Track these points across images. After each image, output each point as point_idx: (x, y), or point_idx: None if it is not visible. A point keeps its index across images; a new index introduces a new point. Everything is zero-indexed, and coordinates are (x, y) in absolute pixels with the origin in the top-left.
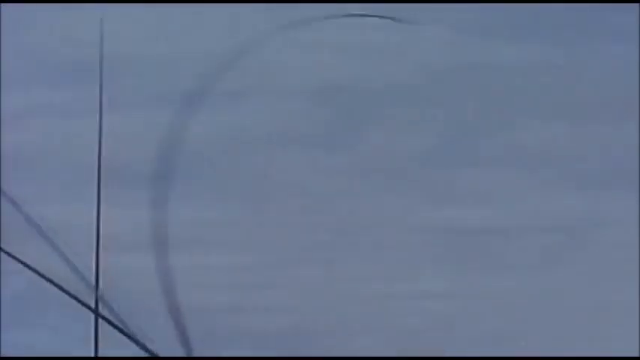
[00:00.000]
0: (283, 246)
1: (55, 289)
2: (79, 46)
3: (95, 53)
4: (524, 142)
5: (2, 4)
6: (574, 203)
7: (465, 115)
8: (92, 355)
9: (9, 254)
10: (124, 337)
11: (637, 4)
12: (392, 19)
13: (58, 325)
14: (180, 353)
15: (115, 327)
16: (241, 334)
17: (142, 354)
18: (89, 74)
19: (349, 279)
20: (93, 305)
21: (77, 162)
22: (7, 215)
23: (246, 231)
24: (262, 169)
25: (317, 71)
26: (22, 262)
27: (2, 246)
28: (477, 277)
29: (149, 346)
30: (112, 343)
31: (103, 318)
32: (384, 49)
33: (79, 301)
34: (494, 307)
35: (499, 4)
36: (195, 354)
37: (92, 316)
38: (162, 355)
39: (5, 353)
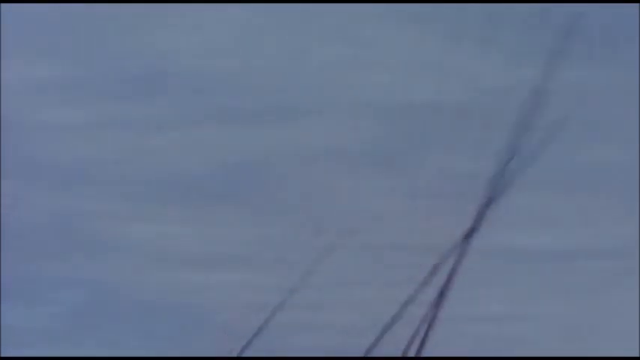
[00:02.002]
0: (337, 266)
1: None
2: (154, 58)
3: (167, 66)
4: (580, 165)
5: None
6: (629, 228)
7: (524, 137)
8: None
9: None
10: None
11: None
12: None
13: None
14: None
15: None
16: (295, 352)
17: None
18: (161, 88)
19: (403, 301)
20: None
21: (143, 177)
22: (69, 229)
23: (302, 250)
24: (320, 188)
25: (375, 90)
26: None
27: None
28: (535, 300)
29: None
30: None
31: None
32: (437, 67)
33: None
34: (548, 329)
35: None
36: None
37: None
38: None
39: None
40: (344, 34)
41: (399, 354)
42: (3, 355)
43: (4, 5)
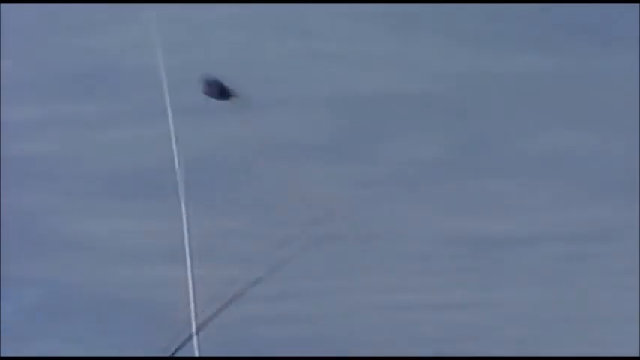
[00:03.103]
0: (301, 258)
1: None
2: (105, 55)
3: (114, 65)
4: (540, 151)
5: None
6: (590, 213)
7: (478, 124)
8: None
9: None
10: None
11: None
12: None
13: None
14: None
15: None
16: (259, 343)
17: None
18: (108, 86)
19: (368, 290)
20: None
21: (95, 173)
22: (24, 226)
23: (264, 242)
24: (278, 179)
25: (331, 82)
26: None
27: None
28: (495, 287)
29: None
30: None
31: None
32: (392, 58)
33: None
34: (512, 316)
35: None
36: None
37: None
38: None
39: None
40: (299, 27)
41: None
42: (3, 355)
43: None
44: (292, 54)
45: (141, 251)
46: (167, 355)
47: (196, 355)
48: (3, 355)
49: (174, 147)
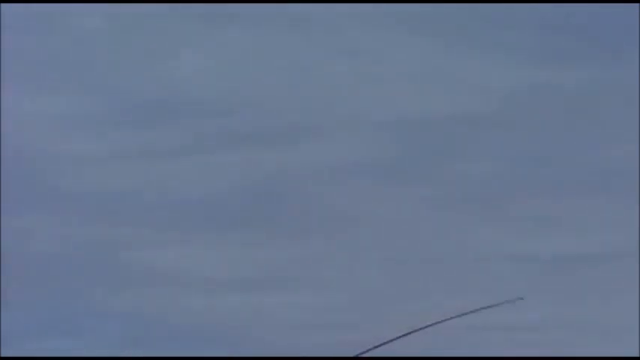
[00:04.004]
0: (370, 282)
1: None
2: (164, 86)
3: (178, 93)
4: (604, 166)
5: None
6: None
7: (541, 140)
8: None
9: None
10: None
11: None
12: None
13: None
14: None
15: None
16: None
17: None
18: (172, 114)
19: (441, 313)
20: None
21: (166, 203)
22: (104, 260)
23: (334, 268)
24: (344, 203)
25: (390, 104)
26: None
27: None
28: (570, 306)
29: None
30: None
31: None
32: (449, 78)
33: None
34: (589, 335)
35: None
36: None
37: None
38: None
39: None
40: (356, 50)
41: None
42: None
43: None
44: (349, 77)
45: (222, 280)
46: None
47: None
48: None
49: None
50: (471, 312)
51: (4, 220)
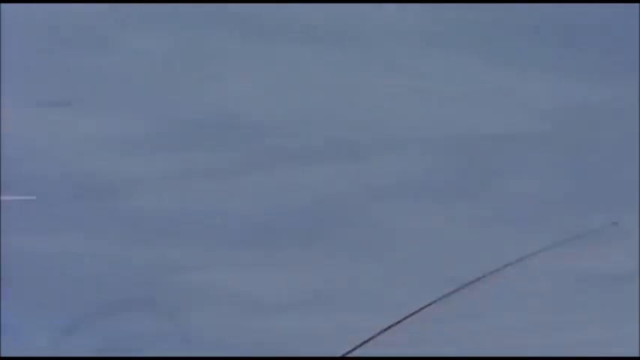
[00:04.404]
0: (423, 301)
1: None
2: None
3: (229, 113)
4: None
5: None
6: None
7: (592, 158)
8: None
9: None
10: None
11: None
12: None
13: None
14: None
15: None
16: None
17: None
18: (224, 134)
19: (496, 331)
20: None
21: (220, 224)
22: (162, 283)
23: (385, 288)
24: (395, 222)
25: (442, 122)
26: None
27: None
28: (630, 323)
29: None
30: None
31: None
32: (500, 96)
33: None
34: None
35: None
36: None
37: None
38: None
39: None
40: (407, 67)
41: None
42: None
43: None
44: (402, 94)
45: (278, 300)
46: None
47: None
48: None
49: None
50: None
51: (58, 243)
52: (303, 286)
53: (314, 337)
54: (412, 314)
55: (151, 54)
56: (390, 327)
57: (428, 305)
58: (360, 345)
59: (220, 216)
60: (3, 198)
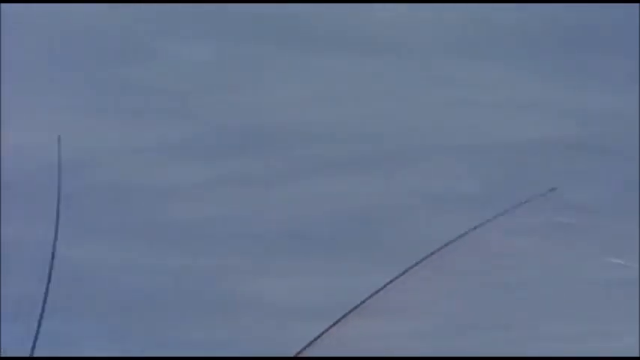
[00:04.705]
0: (467, 309)
1: None
2: (264, 112)
3: (273, 121)
4: None
5: None
6: None
7: (634, 167)
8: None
9: None
10: None
11: (637, 4)
12: None
13: None
14: None
15: None
16: None
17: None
18: (267, 142)
19: (541, 339)
20: None
21: (265, 231)
22: (200, 289)
23: (431, 296)
24: (441, 231)
25: (480, 130)
26: None
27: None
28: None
29: None
30: None
31: None
32: (538, 103)
33: None
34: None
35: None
36: None
37: None
38: None
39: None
40: (443, 75)
41: None
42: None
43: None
44: (440, 103)
45: (319, 308)
46: None
47: None
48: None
49: None
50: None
51: (103, 252)
52: (346, 293)
53: (355, 342)
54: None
55: (192, 62)
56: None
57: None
58: (310, 344)
59: (258, 224)
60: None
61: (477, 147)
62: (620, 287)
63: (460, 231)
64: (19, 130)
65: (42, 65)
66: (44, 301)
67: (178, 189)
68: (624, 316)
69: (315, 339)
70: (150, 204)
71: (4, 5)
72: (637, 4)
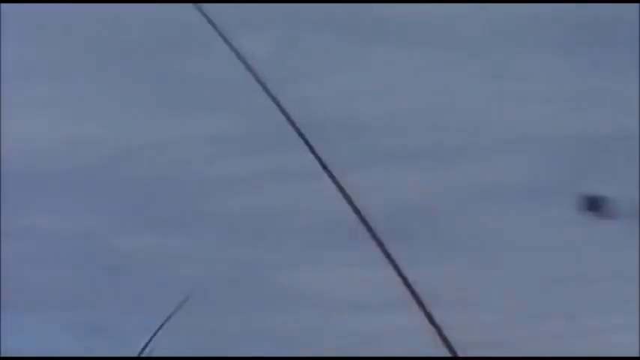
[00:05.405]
0: (519, 302)
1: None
2: (312, 104)
3: (320, 113)
4: None
5: None
6: None
7: None
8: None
9: None
10: None
11: (637, 4)
12: None
13: None
14: None
15: None
16: None
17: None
18: (321, 133)
19: (592, 331)
20: None
21: (309, 224)
22: (246, 281)
23: (480, 288)
24: (491, 223)
25: (539, 123)
26: None
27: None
28: None
29: None
30: None
31: None
32: (598, 96)
33: None
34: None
35: None
36: None
37: None
38: None
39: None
40: (501, 68)
41: None
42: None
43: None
44: (497, 96)
45: (366, 300)
46: None
47: None
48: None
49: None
50: None
51: (153, 242)
52: (392, 285)
53: (400, 334)
54: None
55: (246, 54)
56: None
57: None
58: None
59: (311, 216)
60: None
61: (533, 139)
62: None
63: (515, 223)
64: (70, 123)
65: (93, 57)
66: None
67: (231, 180)
68: None
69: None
70: (201, 195)
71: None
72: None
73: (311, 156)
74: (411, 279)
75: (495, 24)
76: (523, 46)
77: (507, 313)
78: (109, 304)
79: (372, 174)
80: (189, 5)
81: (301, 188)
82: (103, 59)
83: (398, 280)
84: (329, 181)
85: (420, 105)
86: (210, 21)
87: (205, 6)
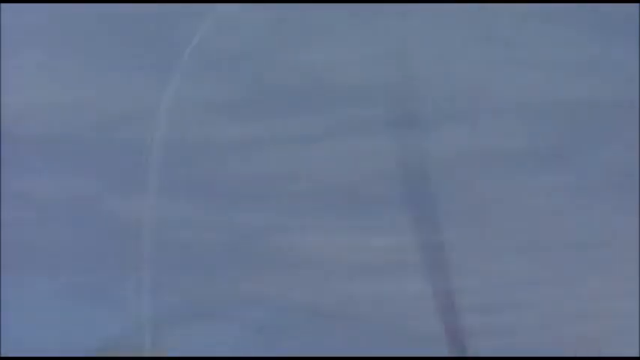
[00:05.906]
0: (511, 267)
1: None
2: (305, 73)
3: (321, 80)
4: None
5: None
6: None
7: None
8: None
9: None
10: None
11: (637, 4)
12: None
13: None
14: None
15: None
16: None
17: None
18: (316, 100)
19: (587, 297)
20: None
21: (308, 189)
22: (248, 246)
23: (474, 254)
24: (486, 189)
25: (535, 89)
26: None
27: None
28: None
29: None
30: None
31: None
32: (593, 64)
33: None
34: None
35: None
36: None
37: None
38: None
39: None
40: (499, 36)
41: None
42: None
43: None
44: (498, 63)
45: (365, 265)
46: None
47: None
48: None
49: None
50: None
51: (151, 206)
52: (391, 250)
53: (398, 299)
54: None
55: (241, 22)
56: None
57: None
58: None
59: (308, 180)
60: None
61: (530, 105)
62: None
63: (509, 187)
64: (71, 89)
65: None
66: None
67: (230, 147)
68: None
69: None
70: (200, 161)
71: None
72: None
73: (309, 121)
74: (409, 244)
75: None
76: (523, 15)
77: (504, 279)
78: (107, 267)
79: (366, 140)
80: None
81: (299, 154)
82: (101, 28)
83: (397, 244)
84: (328, 146)
85: (418, 72)
86: None
87: None
